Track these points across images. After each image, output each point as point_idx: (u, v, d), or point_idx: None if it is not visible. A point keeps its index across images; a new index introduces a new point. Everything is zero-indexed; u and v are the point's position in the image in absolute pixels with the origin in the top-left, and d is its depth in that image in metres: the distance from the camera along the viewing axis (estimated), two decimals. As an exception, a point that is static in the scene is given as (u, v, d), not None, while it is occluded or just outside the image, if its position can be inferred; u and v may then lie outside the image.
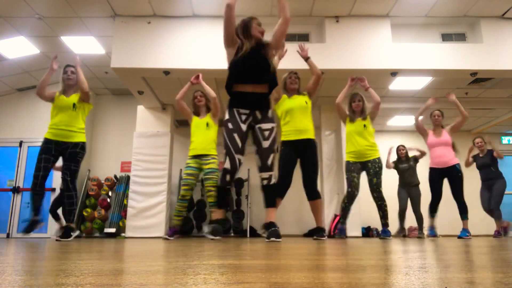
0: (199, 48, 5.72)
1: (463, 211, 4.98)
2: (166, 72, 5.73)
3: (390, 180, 8.03)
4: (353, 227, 6.69)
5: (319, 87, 6.70)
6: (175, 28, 5.83)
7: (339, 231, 4.63)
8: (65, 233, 3.74)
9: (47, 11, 5.63)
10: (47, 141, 3.79)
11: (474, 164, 6.19)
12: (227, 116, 2.96)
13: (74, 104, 3.84)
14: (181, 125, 8.81)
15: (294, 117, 3.89)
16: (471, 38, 6.07)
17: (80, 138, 3.86)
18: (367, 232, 8.01)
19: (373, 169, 4.51)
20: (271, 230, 2.96)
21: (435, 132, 5.16)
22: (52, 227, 7.36)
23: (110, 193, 8.03)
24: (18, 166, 7.74)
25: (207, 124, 4.53)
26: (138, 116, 7.34)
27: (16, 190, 7.60)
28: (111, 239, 5.81)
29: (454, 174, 4.96)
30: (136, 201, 6.81)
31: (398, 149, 6.61)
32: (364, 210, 6.92)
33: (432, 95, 7.27)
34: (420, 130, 5.24)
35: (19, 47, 6.52)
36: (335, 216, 6.88)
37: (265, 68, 2.90)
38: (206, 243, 3.01)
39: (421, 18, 5.99)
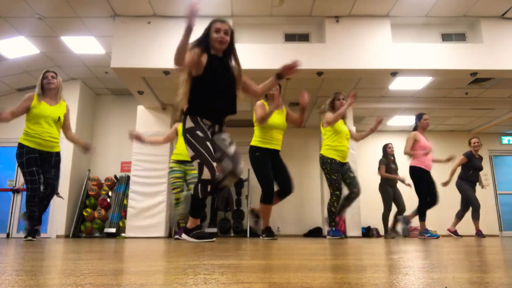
0: (199, 48, 5.72)
1: (423, 212, 5.16)
2: (166, 72, 5.73)
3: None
4: (353, 227, 6.69)
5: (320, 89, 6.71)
6: (175, 28, 5.83)
7: (334, 232, 4.49)
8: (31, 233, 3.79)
9: (47, 11, 5.63)
10: (30, 150, 3.76)
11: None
12: (191, 124, 2.76)
13: (59, 118, 3.89)
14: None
15: (275, 132, 4.07)
16: (471, 38, 6.07)
17: (59, 147, 4.01)
18: (367, 232, 8.02)
19: (350, 166, 4.60)
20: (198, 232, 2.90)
21: (423, 136, 5.29)
22: (52, 226, 7.37)
23: (110, 193, 8.03)
24: (18, 167, 7.74)
25: None
26: (138, 116, 7.34)
27: (16, 190, 7.60)
28: (111, 239, 5.82)
29: (432, 178, 5.17)
30: (136, 201, 6.81)
31: (387, 146, 6.75)
32: (364, 210, 6.93)
33: (432, 95, 7.29)
34: (411, 142, 5.26)
35: (19, 47, 6.52)
36: (335, 216, 6.88)
37: (229, 87, 2.85)
38: (206, 243, 3.00)
39: (421, 18, 5.99)
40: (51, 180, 3.81)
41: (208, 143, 2.70)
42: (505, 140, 9.60)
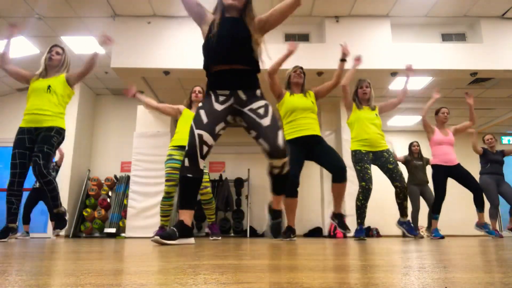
0: (199, 48, 5.71)
1: (482, 203, 4.88)
2: (166, 72, 5.73)
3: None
4: (353, 227, 6.68)
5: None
6: (175, 28, 5.83)
7: (357, 232, 4.10)
8: (58, 221, 3.40)
9: (47, 11, 5.63)
10: (20, 131, 3.36)
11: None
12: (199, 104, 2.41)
13: (49, 86, 3.31)
14: (181, 125, 8.79)
15: (298, 117, 3.61)
16: (471, 38, 6.08)
17: (56, 122, 3.32)
18: (367, 232, 8.01)
19: (392, 157, 4.02)
20: (275, 222, 2.58)
21: (441, 131, 5.10)
22: (52, 227, 7.37)
23: (110, 193, 8.04)
24: (18, 166, 7.73)
25: None
26: (138, 116, 7.34)
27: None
28: (111, 239, 5.81)
29: (463, 170, 4.90)
30: (136, 201, 6.81)
31: (411, 145, 6.50)
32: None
33: (432, 95, 7.28)
34: (426, 127, 5.12)
35: (19, 47, 6.52)
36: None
37: (241, 44, 2.34)
38: (206, 243, 3.01)
39: (421, 18, 5.99)
40: (35, 157, 3.20)
41: (202, 111, 2.27)
42: (505, 140, 9.60)
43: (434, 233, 5.06)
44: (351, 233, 4.17)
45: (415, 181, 6.30)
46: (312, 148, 3.59)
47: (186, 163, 2.19)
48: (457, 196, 6.84)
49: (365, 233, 6.74)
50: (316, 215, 8.13)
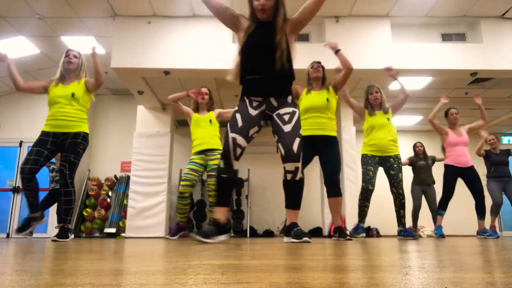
0: (199, 48, 5.73)
1: (483, 211, 4.95)
2: (166, 72, 5.73)
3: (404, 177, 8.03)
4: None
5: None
6: (175, 28, 5.83)
7: (354, 229, 4.25)
8: (61, 233, 3.36)
9: (47, 11, 5.63)
10: (44, 133, 3.41)
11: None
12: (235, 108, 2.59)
13: (73, 94, 3.43)
14: (181, 125, 8.81)
15: (311, 115, 3.67)
16: (471, 38, 6.08)
17: (82, 128, 3.49)
18: (367, 232, 8.01)
19: (397, 164, 4.14)
20: (297, 229, 2.54)
21: (454, 131, 5.10)
22: (52, 227, 7.37)
23: (110, 193, 8.04)
24: (18, 166, 7.75)
25: (210, 121, 4.30)
26: (138, 116, 7.35)
27: (16, 190, 7.60)
28: (111, 239, 5.81)
29: (474, 174, 4.94)
30: (136, 201, 6.81)
31: (415, 146, 6.50)
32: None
33: (432, 95, 7.29)
34: (438, 130, 5.11)
35: (19, 47, 6.52)
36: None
37: (273, 52, 2.42)
38: (206, 243, 3.00)
39: (421, 18, 5.99)
40: (62, 167, 3.32)
41: (238, 114, 2.44)
42: (505, 140, 9.61)
43: (436, 230, 5.04)
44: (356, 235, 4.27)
45: (417, 181, 6.30)
46: (321, 150, 3.65)
47: (221, 164, 2.39)
48: (458, 196, 6.83)
49: (366, 233, 6.69)
50: (316, 215, 8.12)
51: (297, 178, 2.45)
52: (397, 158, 4.18)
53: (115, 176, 8.00)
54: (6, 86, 7.75)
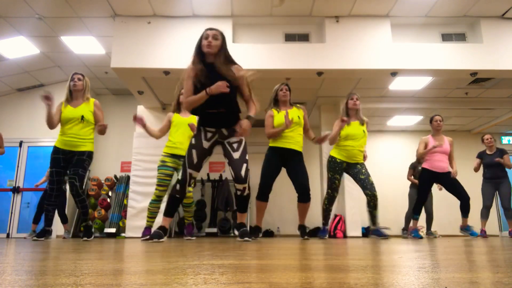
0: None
1: (466, 210, 4.96)
2: (166, 72, 5.73)
3: (398, 182, 8.02)
4: (353, 227, 6.69)
5: (319, 88, 6.71)
6: (175, 28, 5.83)
7: (320, 232, 4.71)
8: (86, 232, 3.99)
9: (47, 11, 5.63)
10: (56, 151, 3.86)
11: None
12: (196, 132, 3.03)
13: (82, 117, 3.85)
14: (181, 125, 8.79)
15: (285, 132, 3.93)
16: (471, 38, 6.07)
17: (88, 147, 3.92)
18: (367, 232, 8.01)
19: (365, 169, 4.36)
20: (243, 230, 3.19)
21: (436, 138, 5.09)
22: (52, 227, 7.36)
23: (110, 193, 8.03)
24: (18, 166, 7.74)
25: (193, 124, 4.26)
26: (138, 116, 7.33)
27: (16, 190, 7.60)
28: (111, 239, 5.81)
29: (449, 179, 4.97)
30: (136, 201, 6.81)
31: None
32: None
33: (432, 95, 7.29)
34: (420, 147, 5.14)
35: (19, 47, 6.52)
36: (335, 216, 6.88)
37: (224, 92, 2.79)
38: (206, 243, 3.01)
39: (421, 18, 5.99)
40: (72, 179, 3.83)
41: (194, 151, 2.93)
42: (505, 140, 9.60)
43: (414, 233, 5.07)
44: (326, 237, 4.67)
45: (415, 185, 6.31)
46: (289, 161, 3.97)
47: (178, 187, 2.97)
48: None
49: (365, 233, 6.72)
50: (316, 215, 8.12)
51: (245, 194, 3.06)
52: (363, 164, 4.41)
53: (115, 176, 8.00)
54: (6, 86, 7.75)
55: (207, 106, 2.87)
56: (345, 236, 6.52)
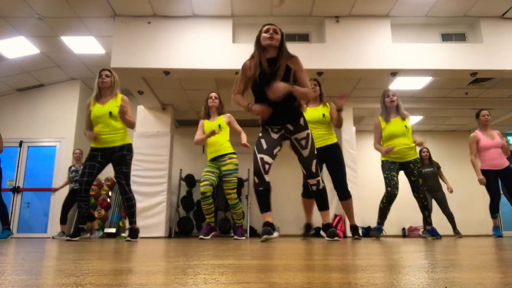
0: (199, 48, 5.73)
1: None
2: (166, 72, 5.73)
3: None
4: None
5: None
6: (175, 28, 5.83)
7: (375, 229, 4.42)
8: (132, 233, 3.90)
9: (47, 11, 5.63)
10: (93, 149, 3.82)
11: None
12: (259, 134, 2.99)
13: (110, 113, 3.76)
14: (181, 125, 8.81)
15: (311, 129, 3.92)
16: (471, 38, 6.07)
17: (125, 140, 3.85)
18: (367, 232, 8.01)
19: (417, 169, 4.26)
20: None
21: (486, 134, 4.98)
22: (52, 227, 7.37)
23: (110, 193, 8.03)
24: (18, 166, 7.74)
25: (219, 126, 4.39)
26: (138, 116, 7.34)
27: (16, 190, 7.60)
28: (111, 239, 5.82)
29: (509, 174, 4.83)
30: (136, 201, 6.78)
31: (421, 151, 6.38)
32: (364, 210, 6.93)
33: (432, 95, 7.29)
34: (470, 147, 5.01)
35: (19, 47, 6.52)
36: (335, 216, 6.88)
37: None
38: (206, 243, 3.01)
39: (421, 18, 5.99)
40: (118, 179, 3.81)
41: (262, 140, 2.89)
42: (505, 140, 9.59)
43: (495, 232, 4.96)
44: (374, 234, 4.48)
45: (426, 188, 6.22)
46: (327, 159, 3.95)
47: (256, 180, 2.85)
48: (456, 196, 6.83)
49: (365, 233, 6.71)
50: (316, 215, 8.13)
51: (320, 187, 3.11)
52: (416, 162, 4.29)
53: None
54: (6, 86, 7.75)
55: (264, 103, 2.85)
56: (345, 236, 6.52)
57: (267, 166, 2.85)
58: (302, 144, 2.95)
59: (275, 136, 2.94)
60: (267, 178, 2.87)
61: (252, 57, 2.92)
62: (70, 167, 6.79)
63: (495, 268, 1.03)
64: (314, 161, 2.98)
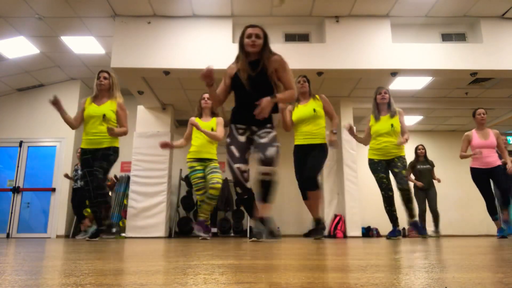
0: (199, 48, 5.73)
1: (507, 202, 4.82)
2: (166, 72, 5.73)
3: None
4: (353, 227, 6.68)
5: (320, 88, 6.70)
6: (175, 28, 5.83)
7: (390, 233, 4.37)
8: (94, 233, 3.81)
9: (47, 11, 5.63)
10: (84, 152, 3.84)
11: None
12: (227, 134, 2.99)
13: (104, 116, 3.77)
14: (181, 125, 8.80)
15: (301, 126, 3.98)
16: (471, 38, 6.07)
17: (113, 143, 3.84)
18: (367, 232, 8.02)
19: (401, 162, 4.24)
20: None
21: (480, 133, 4.94)
22: (52, 226, 7.37)
23: (110, 193, 8.03)
24: (18, 166, 7.74)
25: (212, 129, 4.42)
26: (138, 116, 7.34)
27: (16, 190, 7.60)
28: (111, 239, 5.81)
29: (498, 173, 4.78)
30: (136, 201, 6.81)
31: (417, 149, 6.46)
32: (364, 210, 6.93)
33: (432, 95, 7.29)
34: (462, 146, 4.98)
35: (19, 47, 6.52)
36: (335, 216, 6.88)
37: (259, 90, 2.79)
38: (206, 243, 3.01)
39: (421, 18, 5.98)
40: (96, 171, 3.73)
41: (232, 147, 2.86)
42: (505, 140, 9.60)
43: (498, 233, 4.89)
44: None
45: (423, 184, 6.23)
46: (308, 156, 3.95)
47: (238, 190, 2.92)
48: (456, 196, 6.83)
49: (365, 233, 6.68)
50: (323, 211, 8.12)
51: (269, 179, 2.83)
52: (401, 157, 4.28)
53: (115, 176, 8.00)
54: (6, 86, 7.75)
55: (240, 103, 2.89)
56: (345, 236, 6.52)
57: (245, 174, 2.87)
58: (261, 135, 2.83)
59: (242, 138, 2.89)
60: (248, 185, 2.91)
61: (237, 59, 2.94)
62: (75, 165, 6.93)
63: (495, 268, 1.03)
64: (273, 149, 2.76)
